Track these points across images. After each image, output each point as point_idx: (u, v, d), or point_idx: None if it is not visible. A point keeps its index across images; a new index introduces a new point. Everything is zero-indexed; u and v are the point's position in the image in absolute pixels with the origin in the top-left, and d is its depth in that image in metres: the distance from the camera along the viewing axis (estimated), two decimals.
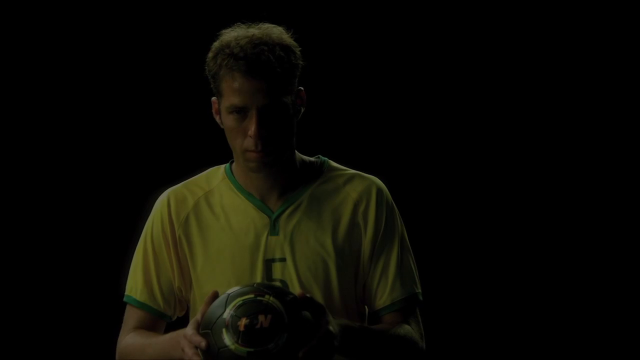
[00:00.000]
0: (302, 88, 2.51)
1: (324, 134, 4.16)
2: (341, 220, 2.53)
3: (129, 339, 2.55)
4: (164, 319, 2.58)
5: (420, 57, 4.46)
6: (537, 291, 4.50)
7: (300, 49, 2.48)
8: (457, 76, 4.47)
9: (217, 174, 2.59)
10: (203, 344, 2.21)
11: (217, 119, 2.52)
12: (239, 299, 2.23)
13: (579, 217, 4.49)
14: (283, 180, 2.53)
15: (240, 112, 2.42)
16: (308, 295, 2.29)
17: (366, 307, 2.60)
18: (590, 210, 4.48)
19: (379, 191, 2.57)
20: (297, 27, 2.51)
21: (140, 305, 2.56)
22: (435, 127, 4.49)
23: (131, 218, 2.92)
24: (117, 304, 2.66)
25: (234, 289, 2.27)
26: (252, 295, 2.23)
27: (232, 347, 2.19)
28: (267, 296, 2.23)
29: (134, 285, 2.57)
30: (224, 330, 2.20)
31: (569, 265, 4.49)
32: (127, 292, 2.58)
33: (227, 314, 2.22)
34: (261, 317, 2.19)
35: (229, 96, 2.42)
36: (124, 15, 4.36)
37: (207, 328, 2.23)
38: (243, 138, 2.43)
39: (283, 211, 2.52)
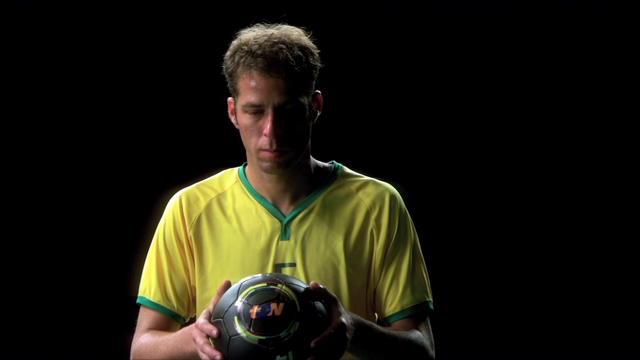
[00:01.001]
0: (319, 92, 2.49)
1: (341, 140, 4.17)
2: (353, 227, 2.53)
3: (143, 339, 2.54)
4: (177, 320, 2.57)
5: (438, 66, 4.46)
6: (553, 305, 4.49)
7: (319, 51, 2.47)
8: (477, 85, 4.47)
9: (230, 176, 2.58)
10: (214, 332, 2.21)
11: (232, 119, 2.50)
12: (251, 288, 2.23)
13: (599, 230, 4.48)
14: (296, 184, 2.52)
15: (257, 110, 2.40)
16: (321, 286, 2.27)
17: (376, 313, 2.59)
18: (613, 227, 4.49)
19: (393, 197, 2.55)
20: (316, 30, 2.50)
21: (154, 306, 2.55)
22: (454, 134, 4.49)
23: (143, 219, 2.91)
24: (128, 306, 2.66)
25: (247, 278, 2.27)
26: (264, 284, 2.23)
27: (244, 334, 2.18)
28: (279, 285, 2.23)
29: (148, 287, 2.56)
30: (235, 318, 2.20)
31: (588, 283, 4.49)
32: (140, 294, 2.58)
33: (239, 302, 2.21)
34: (273, 305, 2.19)
35: (246, 94, 2.40)
36: (139, 16, 4.37)
37: (218, 317, 2.23)
38: (258, 137, 2.42)
39: (295, 216, 2.52)
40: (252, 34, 2.44)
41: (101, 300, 4.34)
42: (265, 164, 2.44)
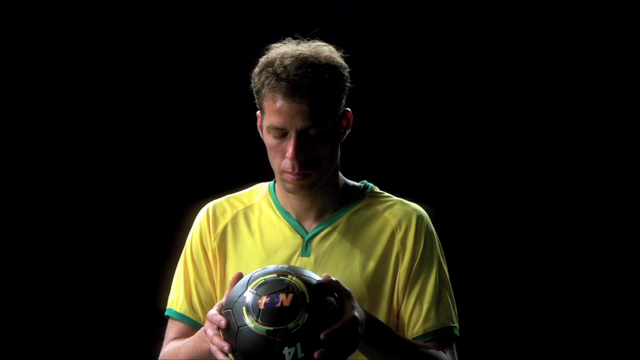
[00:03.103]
0: (349, 109, 2.46)
1: (376, 160, 4.15)
2: (377, 247, 2.49)
3: (167, 347, 2.53)
4: None
5: (476, 87, 4.44)
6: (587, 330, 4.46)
7: (349, 69, 2.44)
8: (515, 108, 4.45)
9: (260, 190, 2.58)
10: (223, 322, 2.19)
11: (260, 133, 2.49)
12: (261, 279, 2.21)
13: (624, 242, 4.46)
14: (322, 202, 2.50)
15: (280, 133, 2.39)
16: (334, 279, 2.25)
17: None
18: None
19: (420, 218, 2.51)
20: (349, 46, 2.48)
21: (180, 317, 2.54)
22: (490, 157, 4.47)
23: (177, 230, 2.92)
24: (158, 318, 2.65)
25: (258, 270, 2.25)
26: (274, 275, 2.21)
27: (252, 325, 2.15)
28: (290, 276, 2.20)
29: (176, 298, 2.56)
30: (244, 308, 2.17)
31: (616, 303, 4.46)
32: (168, 305, 2.58)
33: (249, 292, 2.19)
34: (282, 296, 2.16)
35: (270, 115, 2.39)
36: (173, 28, 4.38)
37: (228, 307, 2.21)
38: (281, 158, 2.40)
39: (317, 233, 2.49)
40: (280, 51, 2.41)
41: (133, 312, 4.35)
42: (289, 186, 2.43)
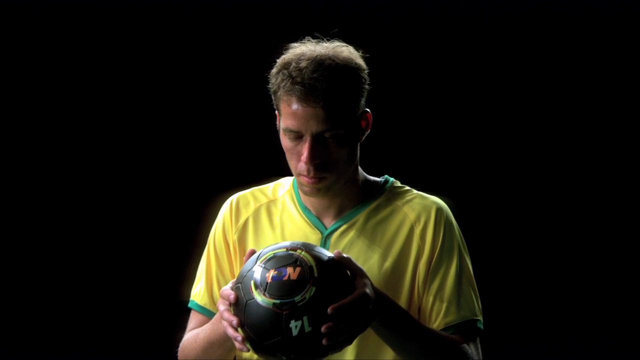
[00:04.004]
0: (368, 110, 2.44)
1: (398, 154, 4.15)
2: (395, 243, 2.46)
3: (186, 336, 2.53)
4: None
5: (495, 81, 4.43)
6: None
7: (368, 70, 2.41)
8: (536, 101, 4.43)
9: (285, 184, 2.57)
10: (232, 296, 2.19)
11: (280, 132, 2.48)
12: (270, 253, 2.21)
13: None
14: (341, 200, 2.48)
15: (296, 135, 2.37)
16: (346, 255, 2.23)
17: None
18: None
19: (439, 210, 2.47)
20: (367, 44, 2.45)
21: (201, 310, 2.54)
22: (513, 152, 4.46)
23: (202, 221, 2.93)
24: (182, 310, 2.65)
25: (270, 246, 2.25)
26: (284, 250, 2.20)
27: (259, 298, 2.14)
28: (299, 250, 2.19)
29: (198, 291, 2.55)
30: (252, 282, 2.17)
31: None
32: (191, 297, 2.57)
33: (257, 266, 2.19)
34: (289, 270, 2.15)
35: (286, 118, 2.37)
36: (203, 22, 4.39)
37: (238, 282, 2.21)
38: (297, 161, 2.39)
39: (336, 229, 2.48)
40: (297, 52, 2.38)
41: (160, 305, 4.37)
42: (305, 189, 2.42)
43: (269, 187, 2.58)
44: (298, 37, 2.43)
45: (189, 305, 2.57)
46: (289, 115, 2.35)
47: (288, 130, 2.37)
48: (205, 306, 2.53)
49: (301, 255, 2.18)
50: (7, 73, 4.46)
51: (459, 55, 4.41)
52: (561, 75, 4.44)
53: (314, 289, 2.13)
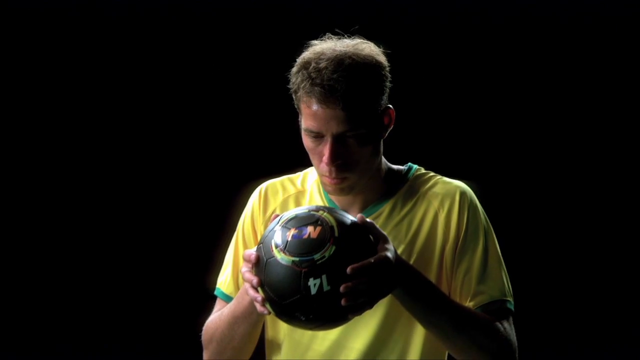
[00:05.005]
0: (390, 106, 2.41)
1: (422, 140, 4.16)
2: (420, 232, 2.44)
3: (210, 317, 2.52)
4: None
5: (516, 64, 4.45)
6: None
7: (389, 67, 2.38)
8: (558, 83, 4.45)
9: (314, 175, 2.55)
10: (253, 256, 2.19)
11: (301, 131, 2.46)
12: (292, 214, 2.21)
13: None
14: (365, 193, 2.46)
15: (317, 135, 2.35)
16: (369, 220, 2.22)
17: None
18: None
19: (462, 194, 2.45)
20: (390, 36, 2.43)
21: (226, 298, 2.52)
22: (538, 135, 4.47)
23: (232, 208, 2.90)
24: (208, 298, 2.65)
25: (292, 209, 2.26)
26: (306, 211, 2.21)
27: (279, 256, 2.14)
28: (321, 212, 2.19)
29: (224, 279, 2.54)
30: (273, 242, 2.16)
31: None
32: (217, 285, 2.55)
33: (279, 227, 2.18)
34: (310, 228, 2.15)
35: (306, 119, 2.35)
36: (236, 18, 4.42)
37: (259, 243, 2.21)
38: (319, 161, 2.37)
39: None
40: (318, 49, 2.35)
41: (189, 294, 4.39)
42: (328, 189, 2.41)
43: (298, 177, 2.56)
44: (323, 32, 2.41)
45: (215, 292, 2.55)
46: (309, 116, 2.33)
47: (309, 131, 2.35)
48: (230, 295, 2.51)
49: (322, 216, 2.17)
50: (11, 73, 4.49)
51: (489, 39, 4.41)
52: (590, 58, 4.43)
53: (333, 247, 2.12)
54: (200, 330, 2.51)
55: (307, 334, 2.43)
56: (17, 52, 4.47)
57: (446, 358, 2.48)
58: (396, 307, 2.37)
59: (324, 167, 2.35)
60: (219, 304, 2.54)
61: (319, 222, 2.15)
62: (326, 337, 2.42)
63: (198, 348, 2.53)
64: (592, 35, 4.41)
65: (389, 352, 2.40)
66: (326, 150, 2.33)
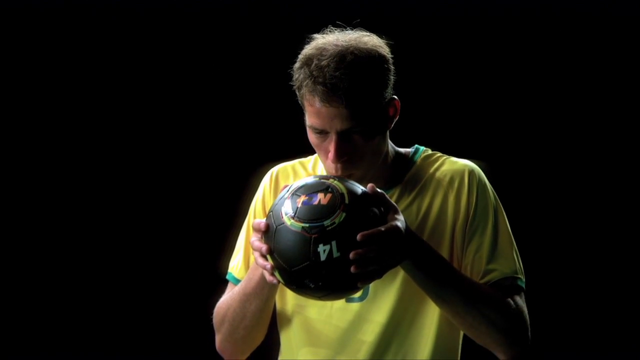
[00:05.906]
0: (395, 97, 2.38)
1: (430, 121, 4.16)
2: (430, 213, 2.43)
3: (221, 299, 2.52)
4: None
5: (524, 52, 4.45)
6: None
7: (392, 58, 2.36)
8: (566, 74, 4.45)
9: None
10: (262, 224, 2.19)
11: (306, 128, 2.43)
12: (302, 183, 2.21)
13: None
14: (373, 181, 2.39)
15: (321, 131, 2.33)
16: (380, 190, 2.22)
17: None
18: None
19: (471, 173, 2.44)
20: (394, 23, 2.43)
21: (238, 283, 2.50)
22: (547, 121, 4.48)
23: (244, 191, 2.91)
24: (220, 282, 2.65)
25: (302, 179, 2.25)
26: (316, 179, 2.21)
27: (288, 222, 2.14)
28: (331, 180, 2.19)
29: (236, 264, 2.53)
30: (282, 209, 2.16)
31: None
32: (229, 270, 2.55)
33: (289, 194, 2.18)
34: (320, 195, 2.15)
35: (310, 116, 2.33)
36: (243, 12, 4.43)
37: (269, 211, 2.20)
38: (325, 157, 2.35)
39: None
40: (319, 46, 2.32)
41: (200, 279, 4.42)
42: None
43: (310, 160, 2.55)
44: (326, 25, 2.39)
45: (226, 277, 2.54)
46: (313, 114, 2.31)
47: (313, 128, 2.33)
48: (242, 279, 2.47)
49: (333, 184, 2.17)
50: (11, 73, 4.49)
51: (498, 21, 4.38)
52: (601, 47, 4.42)
53: (343, 214, 2.12)
54: (212, 314, 2.52)
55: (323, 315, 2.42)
56: (17, 52, 4.47)
57: (461, 340, 2.49)
58: (411, 286, 2.37)
59: (330, 164, 2.34)
60: (230, 288, 2.53)
61: (330, 190, 2.15)
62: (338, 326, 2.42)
63: (210, 332, 2.55)
64: (600, 17, 4.40)
65: (404, 332, 2.41)
66: (331, 148, 2.31)
